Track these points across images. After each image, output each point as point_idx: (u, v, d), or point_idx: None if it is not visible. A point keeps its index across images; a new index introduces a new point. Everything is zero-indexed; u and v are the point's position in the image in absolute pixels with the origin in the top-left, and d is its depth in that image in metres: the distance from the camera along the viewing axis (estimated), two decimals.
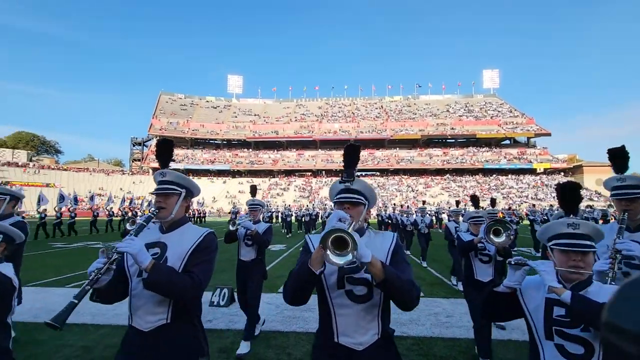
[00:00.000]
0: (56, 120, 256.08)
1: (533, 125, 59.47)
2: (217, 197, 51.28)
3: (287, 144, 64.43)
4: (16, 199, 3.63)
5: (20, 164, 51.81)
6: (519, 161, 54.44)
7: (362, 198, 1.65)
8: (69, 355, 3.67)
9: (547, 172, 53.41)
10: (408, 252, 11.49)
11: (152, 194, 1.87)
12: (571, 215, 1.61)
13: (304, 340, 4.07)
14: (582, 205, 4.08)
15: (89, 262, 1.61)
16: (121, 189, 48.82)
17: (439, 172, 56.20)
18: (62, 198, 18.27)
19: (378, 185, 52.78)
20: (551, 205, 22.55)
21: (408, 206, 18.44)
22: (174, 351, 1.64)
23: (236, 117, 70.52)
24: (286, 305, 5.03)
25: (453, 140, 62.83)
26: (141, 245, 1.54)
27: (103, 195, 29.41)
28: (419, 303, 1.45)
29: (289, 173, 59.41)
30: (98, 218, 20.51)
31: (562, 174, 52.56)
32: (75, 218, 18.75)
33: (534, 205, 18.50)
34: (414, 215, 12.23)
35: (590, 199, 39.92)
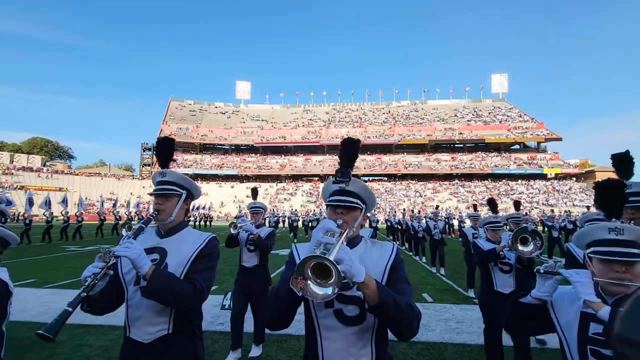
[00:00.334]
0: (69, 126, 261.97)
1: (543, 129, 58.74)
2: (225, 202, 51.65)
3: (294, 149, 64.75)
4: None
5: (34, 168, 53.08)
6: (529, 166, 53.74)
7: (359, 202, 1.41)
8: (88, 354, 3.79)
9: (558, 177, 52.60)
10: (418, 259, 11.30)
11: (151, 194, 1.75)
12: (613, 219, 1.41)
13: None
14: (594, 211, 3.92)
15: None
16: (131, 193, 49.57)
17: (447, 177, 55.78)
18: (47, 203, 17.65)
19: (385, 191, 52.59)
20: (566, 211, 22.18)
21: (419, 211, 18.28)
22: None
23: (244, 122, 71.24)
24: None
25: (461, 145, 62.38)
26: (140, 248, 1.44)
27: (114, 200, 29.84)
28: (418, 331, 1.24)
29: (296, 178, 59.62)
30: (105, 222, 20.81)
31: (574, 179, 51.69)
32: (83, 222, 18.87)
33: (552, 211, 18.16)
34: (423, 220, 12.03)
35: None
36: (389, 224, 19.84)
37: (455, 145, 62.63)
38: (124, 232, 4.51)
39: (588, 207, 19.79)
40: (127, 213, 26.41)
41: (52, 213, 17.40)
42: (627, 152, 2.10)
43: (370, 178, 57.71)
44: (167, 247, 1.65)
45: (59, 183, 49.40)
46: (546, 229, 13.15)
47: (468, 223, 10.11)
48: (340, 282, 0.98)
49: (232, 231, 3.89)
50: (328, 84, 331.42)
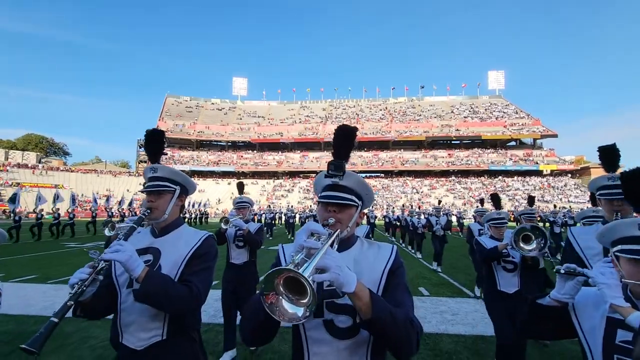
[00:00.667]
0: (64, 123, 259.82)
1: (539, 126, 59.19)
2: (222, 199, 51.64)
3: (291, 145, 64.76)
4: None
5: (30, 165, 52.70)
6: (525, 162, 54.20)
7: (354, 198, 1.25)
8: (94, 345, 3.92)
9: (553, 173, 53.12)
10: (419, 256, 11.06)
11: (142, 192, 1.63)
12: None
13: None
14: (589, 207, 3.96)
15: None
16: (128, 190, 49.41)
17: (444, 173, 56.14)
18: (39, 199, 17.57)
19: (382, 187, 52.86)
20: (563, 207, 22.36)
21: (418, 207, 18.42)
22: None
23: (241, 119, 71.06)
24: None
25: (458, 142, 62.71)
26: (132, 250, 1.35)
27: (112, 197, 29.76)
28: (419, 349, 1.09)
29: (293, 174, 59.69)
30: (97, 219, 20.54)
31: (570, 175, 52.24)
32: (75, 219, 18.54)
33: (555, 206, 18.17)
34: (422, 217, 11.86)
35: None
36: (387, 220, 19.88)
37: (452, 142, 62.95)
38: (106, 231, 4.15)
39: (566, 208, 19.82)
40: (119, 210, 26.30)
41: (41, 210, 17.08)
42: (614, 144, 2.08)
43: (367, 174, 57.92)
44: (161, 247, 1.57)
45: (55, 180, 49.10)
46: (547, 224, 13.25)
47: (470, 219, 10.01)
48: (314, 304, 0.82)
49: (223, 227, 3.75)
50: (325, 81, 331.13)
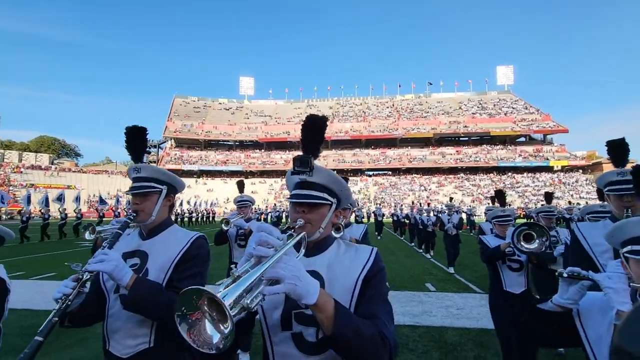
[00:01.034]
0: (75, 124, 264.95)
1: (549, 121, 58.24)
2: (231, 198, 52.11)
3: (298, 144, 64.35)
4: None
5: (43, 167, 53.97)
6: (535, 159, 53.44)
7: (326, 196, 1.13)
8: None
9: (564, 169, 52.28)
10: (429, 256, 10.72)
11: (127, 193, 1.57)
12: None
13: None
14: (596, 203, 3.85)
15: None
16: None
17: (452, 170, 55.68)
18: (46, 200, 17.76)
19: (390, 185, 52.71)
20: (578, 203, 21.93)
21: (428, 204, 17.97)
22: None
23: (248, 118, 71.50)
24: None
25: (466, 139, 62.10)
26: (118, 259, 1.29)
27: (121, 197, 30.35)
28: None
29: None
30: (104, 219, 21.26)
31: (581, 171, 51.34)
32: (82, 219, 18.77)
33: (570, 202, 17.45)
34: (432, 214, 11.56)
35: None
36: (395, 218, 19.64)
37: (460, 139, 62.36)
38: (86, 235, 3.72)
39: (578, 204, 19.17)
40: (110, 208, 26.40)
41: (48, 210, 17.42)
42: (623, 139, 2.02)
43: (375, 172, 57.82)
44: (148, 249, 1.50)
45: (67, 181, 50.21)
46: (563, 221, 13.05)
47: (480, 216, 9.64)
48: (231, 339, 0.70)
49: (224, 227, 3.75)
50: (332, 79, 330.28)
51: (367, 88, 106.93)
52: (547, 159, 52.60)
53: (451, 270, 8.44)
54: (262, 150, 65.10)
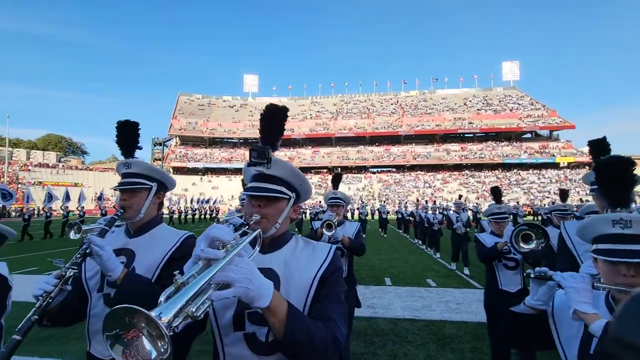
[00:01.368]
0: (81, 122, 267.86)
1: (556, 117, 57.63)
2: (235, 195, 52.47)
3: (302, 141, 65.02)
4: None
5: (50, 165, 54.70)
6: (541, 155, 52.98)
7: (283, 189, 1.10)
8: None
9: (570, 166, 51.78)
10: (437, 256, 10.24)
11: (116, 189, 1.52)
12: (619, 209, 1.12)
13: None
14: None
15: None
16: None
17: (457, 167, 55.44)
18: (49, 197, 17.37)
19: (394, 182, 52.64)
20: (587, 201, 21.80)
21: (434, 202, 17.53)
22: None
23: (252, 115, 71.67)
24: None
25: (471, 135, 61.71)
26: (110, 251, 1.27)
27: (105, 194, 29.92)
28: None
29: (304, 170, 59.87)
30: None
31: (587, 167, 50.79)
32: (85, 216, 18.72)
33: (580, 200, 16.78)
34: (437, 212, 11.45)
35: None
36: (399, 215, 19.46)
37: (465, 135, 61.99)
38: (71, 235, 3.96)
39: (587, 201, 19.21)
40: (101, 206, 25.47)
41: (50, 208, 17.41)
42: (604, 138, 2.06)
43: (379, 169, 57.75)
44: (135, 248, 1.46)
45: (74, 178, 50.83)
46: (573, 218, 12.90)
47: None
48: (168, 355, 0.62)
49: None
50: (336, 76, 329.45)
51: (371, 85, 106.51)
52: (553, 156, 52.14)
53: (453, 266, 8.47)
54: None
